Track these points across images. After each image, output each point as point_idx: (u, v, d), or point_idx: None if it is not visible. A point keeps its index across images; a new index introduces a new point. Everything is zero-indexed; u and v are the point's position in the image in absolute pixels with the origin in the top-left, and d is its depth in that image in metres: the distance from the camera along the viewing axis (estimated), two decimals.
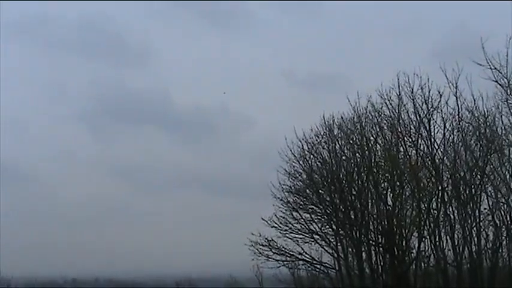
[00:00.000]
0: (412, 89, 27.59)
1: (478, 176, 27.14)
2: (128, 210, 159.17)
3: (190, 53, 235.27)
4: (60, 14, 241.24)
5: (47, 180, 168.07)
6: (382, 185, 28.55)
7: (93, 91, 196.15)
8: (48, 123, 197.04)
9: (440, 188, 27.31)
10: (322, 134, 29.75)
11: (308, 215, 30.07)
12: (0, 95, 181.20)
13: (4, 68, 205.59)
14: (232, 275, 40.35)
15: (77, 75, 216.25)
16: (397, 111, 28.09)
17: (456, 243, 26.99)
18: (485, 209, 27.18)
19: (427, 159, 27.76)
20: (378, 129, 28.76)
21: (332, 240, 29.86)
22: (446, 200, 27.33)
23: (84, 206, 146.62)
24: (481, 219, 27.11)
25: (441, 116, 27.37)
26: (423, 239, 27.56)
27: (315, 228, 29.98)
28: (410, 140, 28.05)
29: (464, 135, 27.46)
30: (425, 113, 27.49)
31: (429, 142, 27.61)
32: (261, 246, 29.51)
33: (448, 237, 27.24)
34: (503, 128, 26.85)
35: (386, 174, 28.26)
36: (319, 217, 30.15)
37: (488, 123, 26.98)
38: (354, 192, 29.13)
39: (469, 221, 26.99)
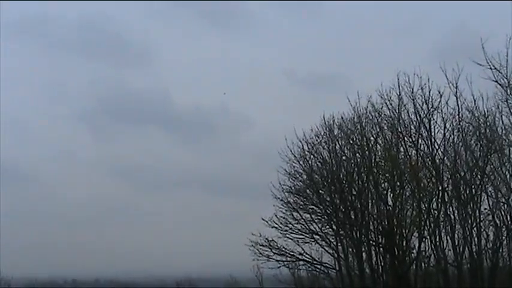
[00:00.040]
0: (413, 89, 27.68)
1: (479, 176, 27.15)
2: (128, 210, 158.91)
3: (190, 53, 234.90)
4: (60, 14, 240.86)
5: (47, 180, 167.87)
6: (383, 185, 28.56)
7: (93, 91, 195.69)
8: (48, 123, 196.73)
9: (440, 188, 27.32)
10: (322, 134, 29.81)
11: (308, 215, 30.09)
12: (0, 95, 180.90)
13: (4, 68, 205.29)
14: (232, 275, 40.28)
15: (77, 75, 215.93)
16: (397, 111, 28.12)
17: (456, 243, 27.01)
18: (485, 209, 27.24)
19: (428, 159, 27.77)
20: (378, 130, 28.78)
21: (332, 240, 29.89)
22: (446, 200, 27.34)
23: (84, 206, 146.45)
24: (482, 219, 27.13)
25: (441, 116, 27.47)
26: (423, 239, 27.58)
27: (315, 228, 30.01)
28: (410, 140, 28.06)
29: (464, 135, 27.48)
30: (425, 113, 27.52)
31: (429, 142, 27.63)
32: (261, 247, 29.53)
33: (448, 237, 27.26)
34: (503, 128, 26.90)
35: (387, 175, 28.25)
36: (319, 217, 30.16)
37: (488, 123, 27.00)
38: (354, 193, 29.14)
39: (470, 221, 27.00)
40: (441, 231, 27.46)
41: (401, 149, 28.42)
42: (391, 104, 28.18)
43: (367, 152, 28.65)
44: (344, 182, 29.29)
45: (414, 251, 27.98)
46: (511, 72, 24.93)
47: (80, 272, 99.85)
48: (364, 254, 28.95)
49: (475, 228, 26.97)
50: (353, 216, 29.06)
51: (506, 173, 26.83)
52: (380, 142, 28.83)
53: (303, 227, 29.88)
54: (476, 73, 25.25)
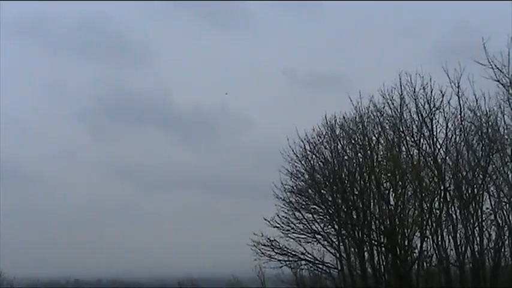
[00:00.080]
0: (415, 89, 27.69)
1: (481, 176, 27.12)
2: (129, 210, 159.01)
3: (190, 53, 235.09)
4: (60, 14, 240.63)
5: (47, 180, 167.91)
6: (384, 185, 28.54)
7: (93, 91, 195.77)
8: (48, 123, 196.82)
9: (442, 187, 27.32)
10: (324, 133, 29.84)
11: (310, 215, 30.10)
12: (0, 95, 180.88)
13: (4, 68, 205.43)
14: (234, 275, 40.32)
15: (77, 75, 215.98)
16: (399, 110, 28.12)
17: (458, 243, 27.00)
18: (487, 208, 27.19)
19: (430, 158, 27.76)
20: (380, 129, 28.79)
21: (334, 240, 29.91)
22: (448, 199, 27.33)
23: (85, 206, 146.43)
24: (484, 218, 27.10)
25: (443, 115, 27.48)
26: (425, 239, 27.56)
27: (317, 228, 30.02)
28: (412, 139, 28.06)
29: (466, 134, 27.46)
30: (427, 112, 27.52)
31: (431, 142, 27.64)
32: (263, 246, 29.57)
33: (450, 237, 27.24)
34: (505, 127, 26.89)
35: (389, 174, 28.23)
36: (321, 217, 30.16)
37: (490, 123, 26.99)
38: (356, 192, 29.14)
39: (472, 221, 27.01)
40: (443, 230, 27.45)
41: (403, 148, 28.44)
42: (393, 104, 28.23)
43: (369, 152, 28.65)
44: (346, 181, 29.29)
45: (416, 250, 27.95)
46: None
47: (80, 272, 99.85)
48: (366, 253, 28.96)
49: (477, 228, 26.97)
50: (355, 216, 29.06)
51: (508, 172, 26.81)
52: (382, 142, 28.85)
53: (305, 226, 29.90)
54: (478, 73, 25.27)
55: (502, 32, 25.89)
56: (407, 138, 28.13)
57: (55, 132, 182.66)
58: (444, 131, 27.46)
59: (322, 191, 29.90)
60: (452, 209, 27.43)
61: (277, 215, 29.68)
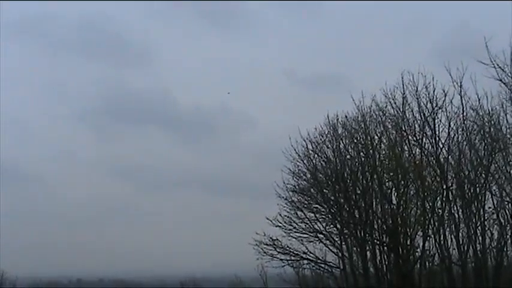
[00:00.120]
0: (417, 88, 27.66)
1: (483, 175, 27.12)
2: (129, 210, 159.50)
3: (190, 53, 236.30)
4: (60, 14, 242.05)
5: (48, 180, 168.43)
6: (387, 184, 28.53)
7: (93, 91, 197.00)
8: (48, 123, 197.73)
9: (444, 187, 27.33)
10: (326, 133, 29.79)
11: (312, 214, 30.09)
12: (0, 95, 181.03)
13: (4, 68, 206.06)
14: (236, 274, 40.34)
15: (77, 75, 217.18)
16: (401, 110, 28.12)
17: (461, 242, 27.02)
18: (489, 207, 27.19)
19: (432, 158, 27.76)
20: (382, 128, 28.78)
21: (336, 239, 29.90)
22: (450, 198, 27.33)
23: (85, 206, 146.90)
24: (486, 218, 27.10)
25: (446, 115, 27.48)
26: (428, 238, 27.54)
27: (319, 227, 30.01)
28: (414, 139, 28.05)
29: (468, 134, 27.47)
30: (429, 112, 27.52)
31: (434, 141, 27.64)
32: (265, 246, 29.54)
33: (452, 236, 27.26)
34: (507, 126, 26.89)
35: (391, 173, 28.21)
36: (323, 216, 30.15)
37: (492, 122, 26.99)
38: (359, 192, 29.12)
39: (474, 220, 27.02)
40: (445, 230, 27.46)
41: (406, 147, 28.41)
42: (395, 103, 28.21)
43: (371, 151, 28.64)
44: (348, 181, 29.28)
45: (418, 249, 27.90)
46: None
47: (80, 272, 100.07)
48: (368, 253, 28.95)
49: (479, 227, 26.96)
50: (357, 215, 29.05)
51: (511, 171, 26.81)
52: (384, 141, 28.83)
53: (307, 226, 29.90)
54: (480, 72, 25.29)
55: (502, 31, 25.95)
56: (410, 137, 28.13)
57: (55, 132, 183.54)
58: (446, 130, 27.50)
59: (324, 190, 29.90)
60: (455, 208, 27.45)
61: (279, 214, 29.72)
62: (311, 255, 29.93)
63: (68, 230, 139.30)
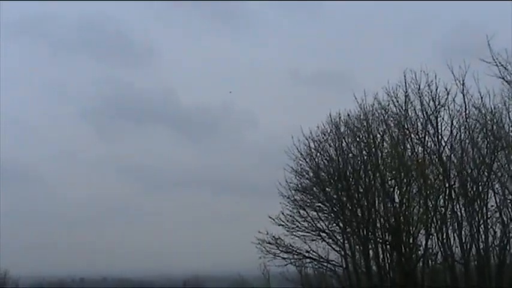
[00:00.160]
0: (419, 86, 27.63)
1: (485, 173, 27.09)
2: (130, 210, 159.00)
3: (191, 53, 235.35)
4: (60, 14, 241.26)
5: (48, 180, 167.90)
6: (389, 183, 28.52)
7: (94, 91, 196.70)
8: (48, 123, 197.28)
9: (447, 185, 27.30)
10: (328, 131, 29.82)
11: (315, 213, 30.11)
12: (0, 95, 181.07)
13: (4, 68, 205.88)
14: (240, 273, 40.35)
15: (78, 75, 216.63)
16: (404, 108, 28.10)
17: (463, 241, 26.97)
18: (492, 206, 27.15)
19: (434, 156, 27.75)
20: (385, 127, 28.78)
21: (339, 238, 29.91)
22: (453, 197, 27.31)
23: (85, 206, 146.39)
24: (489, 216, 27.07)
25: (448, 113, 27.43)
26: (430, 237, 27.55)
27: (322, 226, 30.04)
28: (417, 137, 28.04)
29: (471, 132, 27.43)
30: (432, 110, 27.48)
31: (436, 139, 27.61)
32: (268, 245, 29.57)
33: (455, 235, 27.23)
34: (510, 125, 26.85)
35: (393, 172, 28.21)
36: (326, 215, 30.18)
37: (495, 120, 26.97)
38: (361, 190, 29.13)
39: (477, 218, 26.98)
40: (448, 228, 27.45)
41: (408, 146, 28.40)
42: (397, 101, 28.18)
43: (373, 150, 28.66)
44: (351, 179, 29.29)
45: (421, 248, 27.95)
46: None
47: (81, 271, 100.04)
48: (371, 251, 28.97)
49: (482, 226, 26.94)
50: (360, 214, 29.06)
51: None
52: (387, 139, 28.83)
53: (309, 224, 29.92)
54: (482, 70, 25.20)
55: (503, 31, 25.89)
56: (412, 135, 28.11)
57: (55, 132, 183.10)
58: (449, 129, 27.47)
59: (326, 188, 29.92)
60: (457, 207, 27.43)
61: (282, 213, 29.75)
62: (314, 253, 29.98)
63: (68, 230, 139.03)
